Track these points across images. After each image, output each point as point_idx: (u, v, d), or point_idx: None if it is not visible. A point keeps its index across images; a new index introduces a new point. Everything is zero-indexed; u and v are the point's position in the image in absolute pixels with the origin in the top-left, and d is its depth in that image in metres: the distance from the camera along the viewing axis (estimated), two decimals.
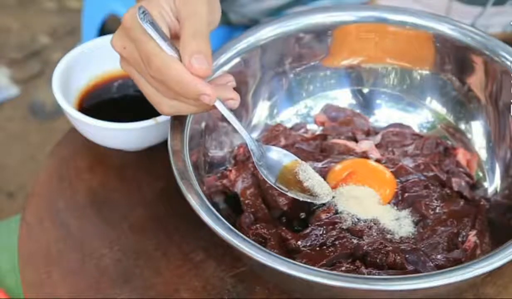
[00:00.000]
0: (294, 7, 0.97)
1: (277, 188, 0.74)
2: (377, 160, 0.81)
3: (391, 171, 0.79)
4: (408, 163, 0.80)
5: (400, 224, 0.75)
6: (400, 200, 0.77)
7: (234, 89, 0.73)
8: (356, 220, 0.75)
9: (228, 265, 0.77)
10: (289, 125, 0.87)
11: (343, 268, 0.71)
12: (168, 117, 0.76)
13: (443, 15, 0.89)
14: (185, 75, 0.67)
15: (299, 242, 0.73)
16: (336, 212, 0.75)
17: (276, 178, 0.74)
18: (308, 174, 0.75)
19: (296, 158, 0.76)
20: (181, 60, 0.68)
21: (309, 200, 0.74)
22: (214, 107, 0.71)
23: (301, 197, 0.74)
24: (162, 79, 0.68)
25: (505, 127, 0.82)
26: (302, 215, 0.76)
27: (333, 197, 0.76)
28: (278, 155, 0.76)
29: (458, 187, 0.80)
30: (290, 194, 0.74)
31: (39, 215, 0.82)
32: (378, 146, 0.83)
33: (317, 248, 0.73)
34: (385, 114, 0.89)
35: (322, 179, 0.75)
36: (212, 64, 0.68)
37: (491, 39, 0.82)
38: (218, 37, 1.00)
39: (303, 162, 0.76)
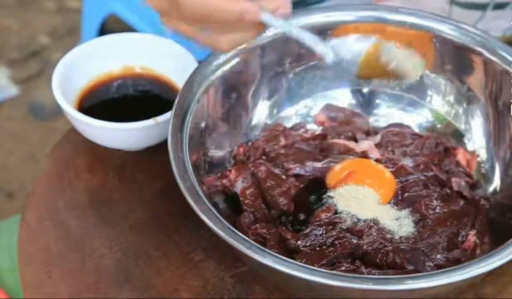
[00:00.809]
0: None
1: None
2: (377, 160, 0.81)
3: (391, 171, 0.79)
4: (408, 163, 0.80)
5: (400, 224, 0.75)
6: (400, 200, 0.77)
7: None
8: (356, 220, 0.75)
9: (228, 265, 0.77)
10: (289, 125, 0.87)
11: (343, 268, 0.71)
12: (168, 117, 0.76)
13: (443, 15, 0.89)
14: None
15: (299, 242, 0.73)
16: (336, 212, 0.75)
17: (356, 72, 0.72)
18: (393, 52, 0.73)
19: (375, 40, 0.73)
20: None
21: (397, 81, 0.72)
22: (264, 26, 0.67)
23: (387, 80, 0.72)
24: (202, 11, 0.66)
25: (505, 127, 0.82)
26: (302, 215, 0.76)
27: (334, 195, 0.76)
28: (355, 45, 0.73)
29: (458, 187, 0.80)
30: (374, 81, 0.71)
31: (39, 215, 0.82)
32: (378, 146, 0.83)
33: (317, 248, 0.73)
34: (385, 114, 0.88)
35: (408, 53, 0.73)
36: None
37: (490, 39, 0.82)
38: None
39: (384, 41, 0.73)
